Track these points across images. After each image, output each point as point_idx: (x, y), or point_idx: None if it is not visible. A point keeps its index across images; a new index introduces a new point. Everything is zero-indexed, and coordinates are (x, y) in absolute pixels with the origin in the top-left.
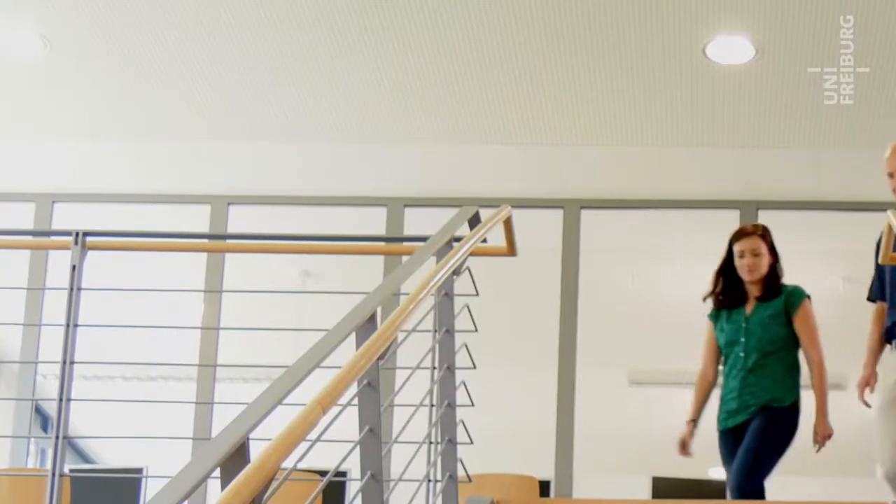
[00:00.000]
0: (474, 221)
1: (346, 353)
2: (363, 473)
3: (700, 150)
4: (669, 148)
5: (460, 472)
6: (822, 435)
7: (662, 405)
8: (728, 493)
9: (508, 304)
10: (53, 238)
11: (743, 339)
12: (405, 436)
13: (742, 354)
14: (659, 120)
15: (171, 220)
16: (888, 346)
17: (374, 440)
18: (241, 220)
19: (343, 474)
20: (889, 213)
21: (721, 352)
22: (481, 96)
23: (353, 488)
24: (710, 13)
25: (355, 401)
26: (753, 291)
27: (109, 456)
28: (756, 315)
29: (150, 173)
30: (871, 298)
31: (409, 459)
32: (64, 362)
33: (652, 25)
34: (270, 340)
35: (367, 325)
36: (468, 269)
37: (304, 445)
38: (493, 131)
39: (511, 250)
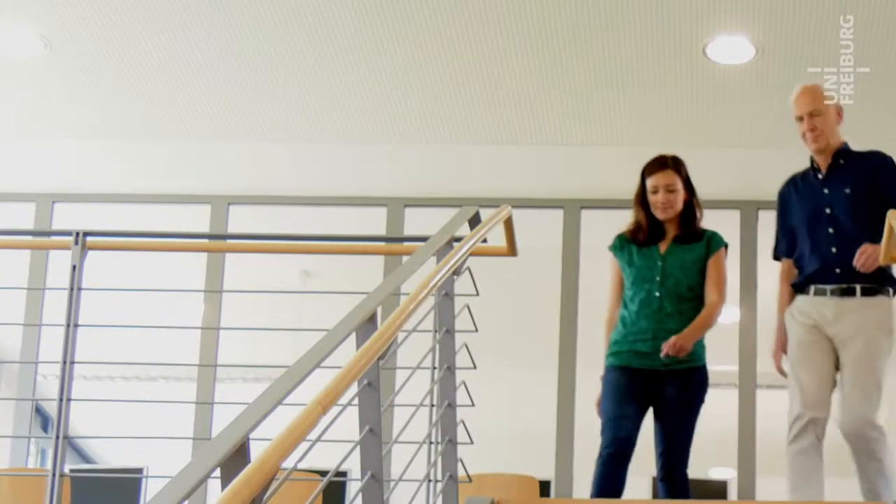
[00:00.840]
0: (474, 221)
1: (346, 353)
2: (363, 473)
3: (700, 150)
4: (669, 148)
5: (460, 472)
6: (677, 344)
7: None
8: (601, 455)
9: (508, 304)
10: (53, 238)
11: (658, 278)
12: (405, 436)
13: (657, 294)
14: (659, 120)
15: (171, 220)
16: (803, 297)
17: (374, 440)
18: (241, 220)
19: (343, 474)
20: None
21: (627, 289)
22: (481, 96)
23: (353, 488)
24: (710, 13)
25: (355, 401)
26: (670, 230)
27: (109, 456)
28: (675, 256)
29: (150, 173)
30: (776, 256)
31: (409, 459)
32: (64, 362)
33: (652, 25)
34: (270, 340)
35: (367, 325)
36: (468, 269)
37: (304, 445)
38: (493, 131)
39: (511, 250)
